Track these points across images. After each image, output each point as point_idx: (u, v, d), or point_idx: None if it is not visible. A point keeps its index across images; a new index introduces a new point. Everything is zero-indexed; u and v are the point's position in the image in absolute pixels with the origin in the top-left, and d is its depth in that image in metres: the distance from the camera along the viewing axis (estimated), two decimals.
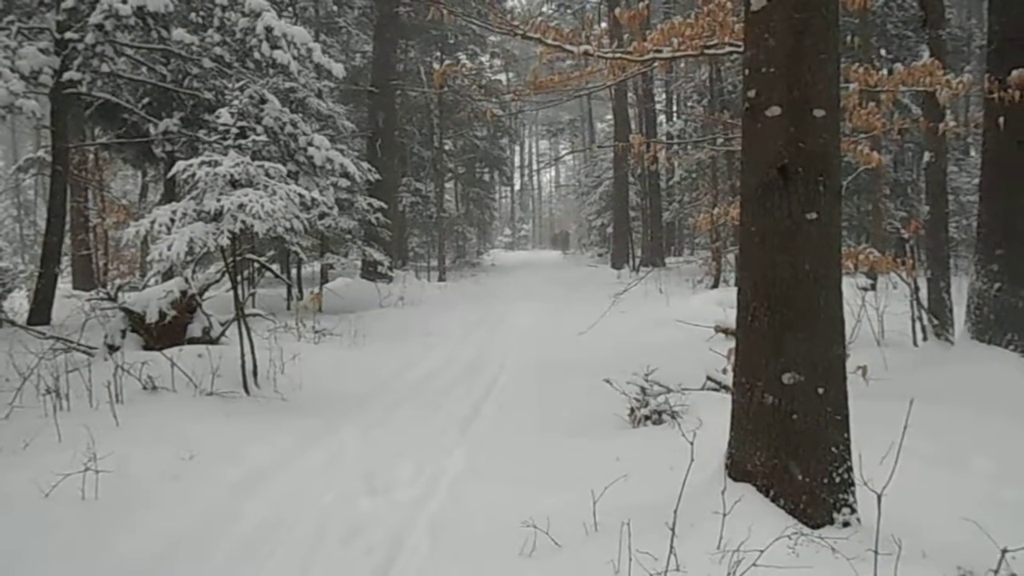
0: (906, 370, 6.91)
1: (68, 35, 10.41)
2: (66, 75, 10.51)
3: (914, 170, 17.54)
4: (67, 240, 16.07)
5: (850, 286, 6.51)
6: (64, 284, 14.68)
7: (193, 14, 11.55)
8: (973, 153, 19.86)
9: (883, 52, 16.19)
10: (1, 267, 12.48)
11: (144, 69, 12.63)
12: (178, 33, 11.19)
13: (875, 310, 8.25)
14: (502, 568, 3.67)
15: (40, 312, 10.80)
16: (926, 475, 4.08)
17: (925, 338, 8.08)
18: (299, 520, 4.42)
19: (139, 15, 10.23)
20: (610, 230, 27.53)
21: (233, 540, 4.16)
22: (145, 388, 6.42)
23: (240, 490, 4.80)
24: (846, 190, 5.11)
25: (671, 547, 3.12)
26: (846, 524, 3.48)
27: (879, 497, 3.00)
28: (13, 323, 9.29)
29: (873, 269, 8.09)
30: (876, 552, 2.95)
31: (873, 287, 10.88)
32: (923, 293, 8.13)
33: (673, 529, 3.13)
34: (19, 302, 13.28)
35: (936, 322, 7.99)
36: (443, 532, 4.21)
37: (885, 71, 7.25)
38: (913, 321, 8.11)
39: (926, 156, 8.34)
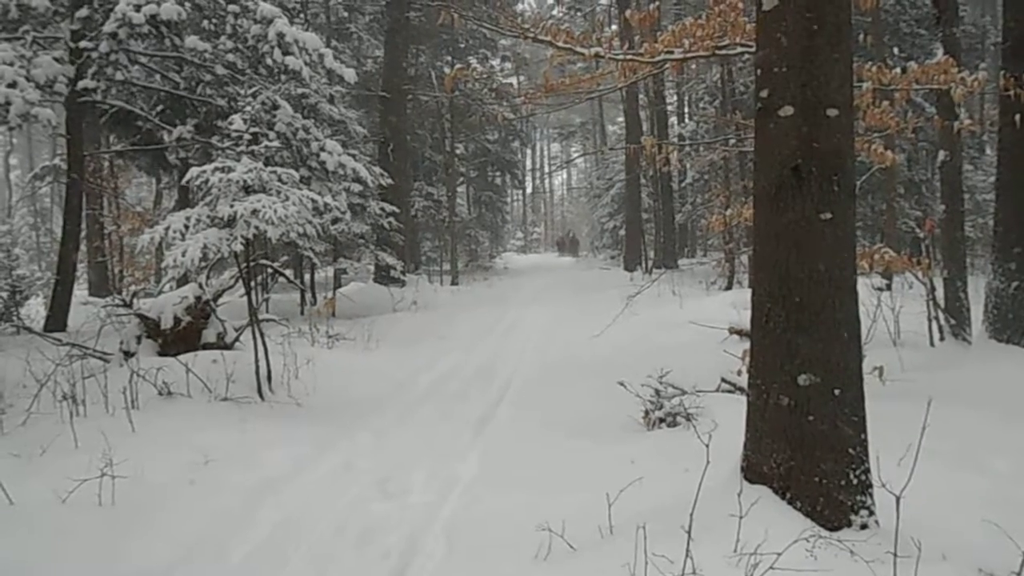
0: (923, 370, 6.85)
1: (82, 44, 10.50)
2: (81, 83, 10.61)
3: (929, 169, 17.41)
4: (83, 247, 16.21)
5: (865, 286, 6.47)
6: (80, 291, 14.81)
7: (206, 21, 11.64)
8: (988, 151, 19.68)
9: (896, 50, 16.09)
10: (18, 274, 12.58)
11: (158, 77, 12.75)
12: (191, 40, 11.31)
13: (891, 310, 8.17)
14: (517, 572, 3.66)
15: (56, 319, 10.90)
16: (945, 476, 4.05)
17: (942, 338, 8.00)
18: (314, 525, 4.43)
19: (152, 23, 10.31)
20: (622, 232, 27.45)
21: (249, 545, 4.18)
22: (160, 394, 6.46)
23: (255, 495, 4.81)
24: (860, 189, 5.07)
25: (687, 550, 3.10)
26: (864, 526, 3.45)
27: (898, 499, 2.97)
28: (30, 330, 9.36)
29: (888, 269, 8.03)
30: (895, 555, 2.93)
31: (888, 287, 10.79)
32: (939, 293, 8.06)
33: (689, 532, 3.11)
34: (36, 309, 13.42)
35: (953, 322, 7.92)
36: (458, 536, 4.20)
37: (898, 69, 7.21)
38: (930, 321, 8.04)
39: (941, 154, 8.28)
